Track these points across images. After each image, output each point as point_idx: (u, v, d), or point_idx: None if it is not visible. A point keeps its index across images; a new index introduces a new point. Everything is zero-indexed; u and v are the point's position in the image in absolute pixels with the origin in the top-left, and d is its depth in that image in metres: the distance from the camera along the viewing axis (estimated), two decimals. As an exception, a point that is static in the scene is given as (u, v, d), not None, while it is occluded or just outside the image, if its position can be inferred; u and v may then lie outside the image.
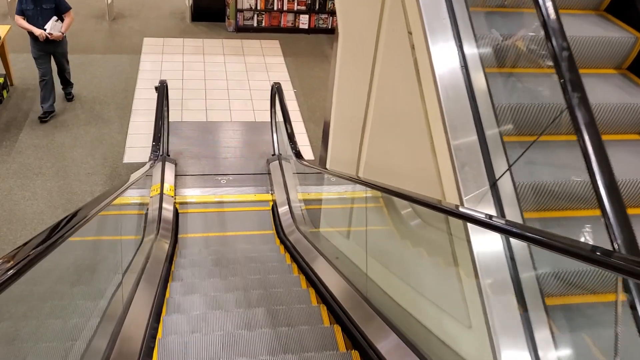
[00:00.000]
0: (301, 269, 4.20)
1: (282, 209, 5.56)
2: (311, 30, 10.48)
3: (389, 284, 2.93)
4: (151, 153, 5.24)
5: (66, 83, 7.64)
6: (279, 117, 7.05)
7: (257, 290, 3.54)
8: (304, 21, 10.43)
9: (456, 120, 2.49)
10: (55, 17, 6.64)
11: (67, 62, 7.44)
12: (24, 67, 8.12)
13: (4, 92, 7.41)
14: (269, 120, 7.31)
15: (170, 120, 7.09)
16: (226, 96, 8.23)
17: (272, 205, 6.07)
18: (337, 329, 2.98)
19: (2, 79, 7.35)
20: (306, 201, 5.76)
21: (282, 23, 10.40)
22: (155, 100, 6.12)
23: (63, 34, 6.81)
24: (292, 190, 5.97)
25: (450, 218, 2.40)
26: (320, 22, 10.51)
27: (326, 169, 4.53)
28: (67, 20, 6.86)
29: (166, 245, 4.80)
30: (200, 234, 5.63)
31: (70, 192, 6.09)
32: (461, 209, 2.19)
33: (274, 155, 6.87)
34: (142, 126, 7.26)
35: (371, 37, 3.34)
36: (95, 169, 6.47)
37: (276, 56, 9.54)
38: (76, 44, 9.12)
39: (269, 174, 6.58)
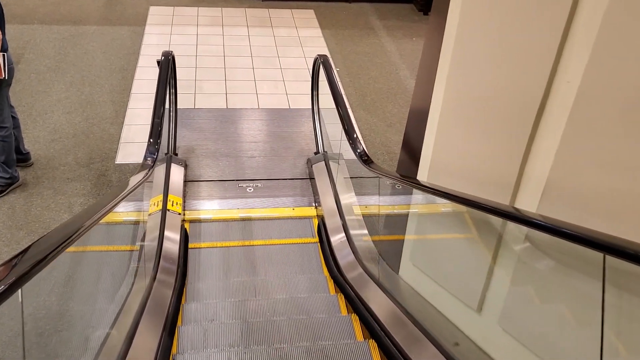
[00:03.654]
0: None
1: (337, 238, 3.80)
2: (352, -2, 8.67)
3: None
4: (146, 153, 3.52)
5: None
6: (323, 101, 5.31)
7: None
8: (343, -13, 8.61)
9: None
10: None
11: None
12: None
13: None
14: (309, 106, 5.54)
15: (179, 107, 5.37)
16: (251, 77, 6.48)
17: (319, 224, 4.32)
18: None
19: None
20: (365, 214, 4.01)
21: (316, -10, 8.59)
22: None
23: None
24: (348, 203, 4.22)
25: None
26: (363, -12, 8.67)
27: (417, 182, 2.75)
28: None
29: (166, 300, 3.10)
30: (220, 261, 3.92)
31: (41, 205, 4.41)
32: None
33: (317, 153, 5.12)
34: (143, 114, 5.55)
35: None
36: (77, 172, 4.78)
37: (311, 28, 7.74)
38: (68, 13, 7.45)
39: (312, 178, 4.83)
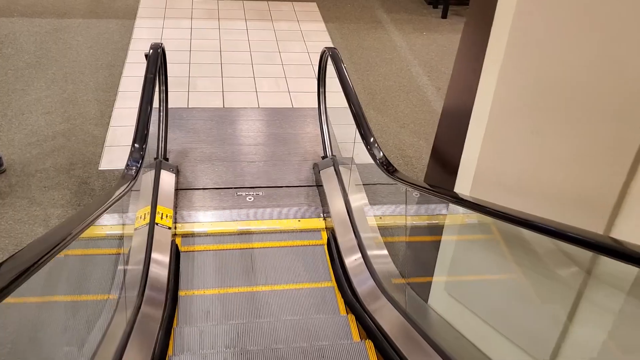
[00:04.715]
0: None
1: (352, 259, 3.27)
2: (357, -9, 8.15)
3: None
4: (129, 161, 2.99)
5: None
6: (330, 100, 4.80)
7: None
8: (347, -21, 8.09)
9: None
10: None
11: None
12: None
13: None
14: (314, 105, 5.02)
15: (170, 106, 4.84)
16: (250, 73, 5.96)
17: (328, 238, 3.81)
18: None
19: None
20: (384, 231, 3.50)
21: (319, -19, 8.07)
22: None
23: None
24: (361, 215, 3.71)
25: None
26: (369, -21, 8.15)
27: (455, 196, 2.23)
28: None
29: (152, 336, 2.58)
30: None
31: (13, 218, 3.88)
32: None
33: (325, 157, 4.60)
34: (131, 115, 4.98)
35: None
36: (55, 180, 4.25)
37: (314, 22, 7.22)
38: (51, 5, 6.92)
39: (320, 186, 4.31)
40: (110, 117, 5.01)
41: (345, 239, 3.45)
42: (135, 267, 2.92)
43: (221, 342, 2.83)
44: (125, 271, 2.87)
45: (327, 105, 4.83)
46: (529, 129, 1.85)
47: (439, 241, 2.62)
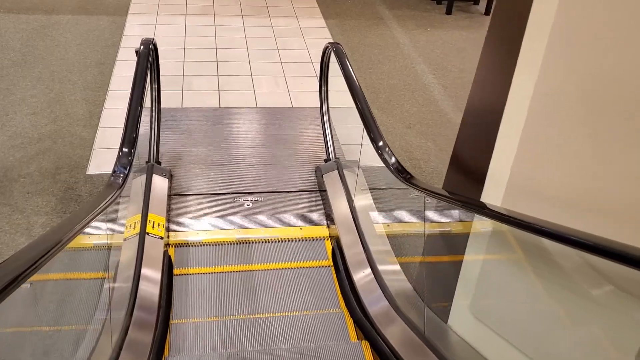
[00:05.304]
0: None
1: (361, 275, 2.98)
2: (357, -14, 7.88)
3: None
4: (116, 166, 2.71)
5: None
6: (333, 99, 4.53)
7: None
8: (347, -26, 7.82)
9: None
10: None
11: None
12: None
13: None
14: (316, 104, 4.75)
15: (163, 106, 4.56)
16: (247, 71, 5.68)
17: (333, 248, 3.54)
18: None
19: None
20: (396, 241, 3.23)
21: (318, -24, 7.80)
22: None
23: None
24: (368, 222, 3.44)
25: None
26: (370, -25, 7.89)
27: (487, 207, 1.96)
28: None
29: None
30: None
31: (-8, 226, 3.60)
32: None
33: (328, 160, 4.32)
34: (121, 115, 4.67)
35: None
36: (40, 185, 3.96)
37: (314, 18, 6.95)
38: (38, 0, 6.62)
39: (323, 191, 4.04)
40: (99, 117, 4.73)
41: (353, 252, 3.17)
42: (123, 284, 2.64)
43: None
44: (112, 287, 2.59)
45: (330, 105, 4.55)
46: (583, 133, 1.58)
47: (462, 255, 2.35)
